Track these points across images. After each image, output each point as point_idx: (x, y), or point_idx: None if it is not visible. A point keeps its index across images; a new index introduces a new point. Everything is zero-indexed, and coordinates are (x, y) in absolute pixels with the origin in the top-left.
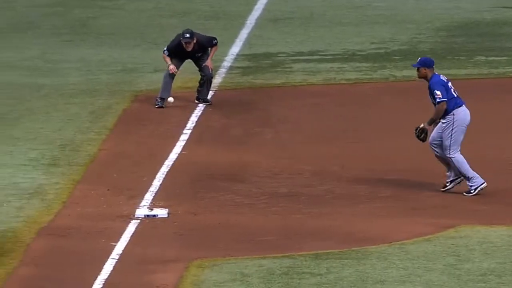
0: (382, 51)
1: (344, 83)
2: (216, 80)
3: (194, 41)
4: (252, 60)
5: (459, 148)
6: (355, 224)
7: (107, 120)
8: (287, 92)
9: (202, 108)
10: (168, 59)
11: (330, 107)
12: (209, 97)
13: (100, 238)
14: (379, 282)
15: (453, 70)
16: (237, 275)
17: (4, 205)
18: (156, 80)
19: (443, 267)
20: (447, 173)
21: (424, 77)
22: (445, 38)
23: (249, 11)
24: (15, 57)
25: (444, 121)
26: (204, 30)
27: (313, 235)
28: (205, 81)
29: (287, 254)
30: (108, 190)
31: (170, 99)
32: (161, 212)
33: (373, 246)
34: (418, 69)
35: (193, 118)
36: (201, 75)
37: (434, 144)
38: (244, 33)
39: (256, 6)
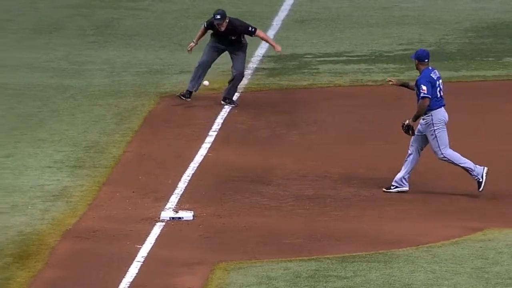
0: (410, 52)
1: (371, 85)
2: (242, 82)
3: (226, 20)
4: (278, 62)
5: (448, 145)
6: (382, 227)
7: (132, 122)
8: (313, 93)
9: (228, 110)
10: (199, 34)
11: (357, 108)
12: (235, 98)
13: (125, 241)
14: (406, 285)
15: (482, 71)
16: (263, 278)
17: (29, 207)
18: (182, 81)
19: (471, 270)
20: (401, 176)
21: (418, 70)
22: (474, 39)
23: (275, 12)
24: (40, 59)
25: (423, 122)
26: None
27: (339, 237)
28: (235, 78)
29: (313, 257)
30: (133, 192)
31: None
32: (187, 215)
33: (400, 249)
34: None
35: (219, 119)
36: (232, 72)
37: (412, 142)
38: (270, 34)
39: (283, 7)
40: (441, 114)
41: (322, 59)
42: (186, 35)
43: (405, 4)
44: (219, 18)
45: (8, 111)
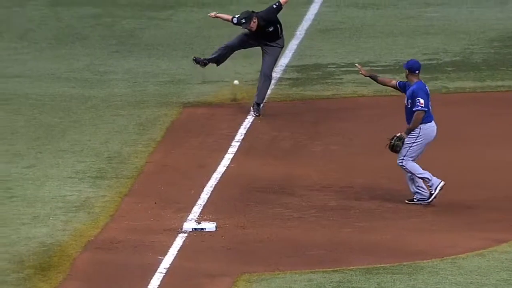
0: (434, 62)
1: (395, 95)
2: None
3: (254, 20)
4: (301, 72)
5: (415, 159)
6: (406, 238)
7: (155, 132)
8: (337, 103)
9: (251, 120)
10: (226, 17)
11: (381, 118)
12: (262, 102)
13: (147, 252)
14: None
15: (507, 81)
16: None
17: (51, 218)
18: (204, 92)
19: (496, 282)
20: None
21: (409, 80)
22: (499, 49)
23: (299, 21)
24: (62, 69)
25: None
26: None
27: (363, 249)
28: (261, 79)
29: (337, 269)
30: (155, 203)
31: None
32: (209, 226)
33: (425, 261)
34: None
35: (242, 130)
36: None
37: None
38: (293, 44)
39: (306, 17)
40: (430, 130)
41: (345, 69)
42: (209, 45)
43: (430, 14)
44: (244, 23)
45: (30, 122)
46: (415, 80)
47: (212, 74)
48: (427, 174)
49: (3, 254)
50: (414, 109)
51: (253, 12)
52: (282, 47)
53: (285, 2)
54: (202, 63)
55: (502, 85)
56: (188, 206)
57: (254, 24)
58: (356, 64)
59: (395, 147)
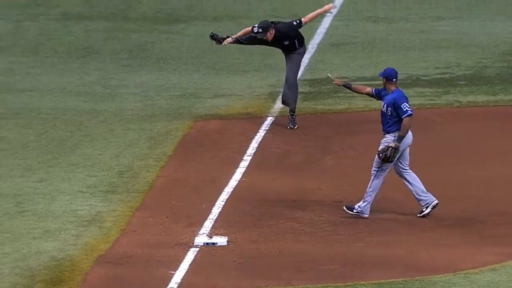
0: (447, 76)
1: None
2: (277, 106)
3: (271, 31)
4: (313, 86)
5: (389, 170)
6: (419, 253)
7: (166, 146)
8: (349, 117)
9: (263, 134)
10: (243, 32)
11: None
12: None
13: (158, 266)
14: None
15: None
16: None
17: (62, 232)
18: (215, 106)
19: None
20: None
21: (386, 89)
22: None
23: (311, 35)
24: (74, 83)
25: (384, 139)
26: (265, 54)
27: (375, 264)
28: (287, 87)
29: (349, 283)
30: (167, 217)
31: (329, 75)
32: (221, 240)
33: (438, 276)
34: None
35: (254, 144)
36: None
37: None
38: (306, 58)
39: (318, 31)
40: (407, 137)
41: (358, 82)
42: (220, 59)
43: (442, 27)
44: (261, 32)
45: (41, 136)
46: (393, 88)
47: (223, 89)
48: (371, 200)
49: (14, 269)
50: (403, 115)
51: (272, 22)
52: (303, 53)
53: (306, 22)
54: (218, 40)
55: None
56: (200, 221)
57: (270, 35)
58: (329, 75)
59: (393, 158)
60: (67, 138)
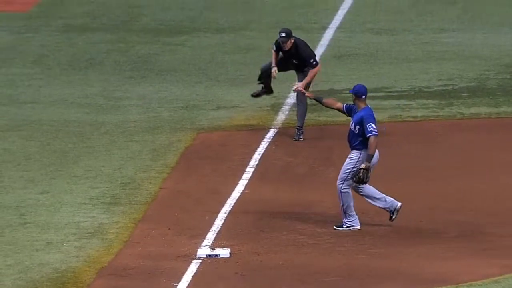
0: (450, 87)
1: (410, 121)
2: (280, 117)
3: (292, 40)
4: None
5: (353, 185)
6: (421, 265)
7: (169, 158)
8: None
9: (265, 146)
10: (274, 56)
11: (396, 145)
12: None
13: (161, 278)
14: None
15: None
16: None
17: (64, 244)
18: (218, 118)
19: None
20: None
21: (356, 105)
22: None
23: (314, 47)
24: (76, 94)
25: (350, 155)
26: None
27: (378, 276)
28: (297, 103)
29: None
30: (169, 229)
31: None
32: (223, 252)
33: None
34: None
35: (256, 156)
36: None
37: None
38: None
39: (321, 42)
40: (374, 157)
41: None
42: (223, 71)
43: (445, 39)
44: (283, 36)
45: (44, 147)
46: (362, 105)
47: (225, 101)
48: (353, 213)
49: (16, 281)
50: (368, 135)
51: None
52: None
53: (313, 74)
54: (259, 94)
55: None
56: (202, 232)
57: (289, 43)
58: (298, 87)
59: (366, 179)
60: (70, 150)
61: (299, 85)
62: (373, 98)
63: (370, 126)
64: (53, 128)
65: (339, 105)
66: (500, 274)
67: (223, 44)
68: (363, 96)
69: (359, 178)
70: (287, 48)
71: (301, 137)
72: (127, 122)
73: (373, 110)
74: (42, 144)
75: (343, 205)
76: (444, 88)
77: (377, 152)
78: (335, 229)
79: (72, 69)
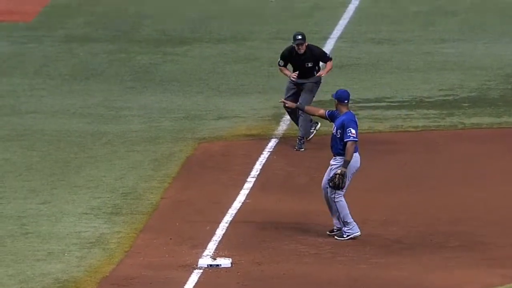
0: (451, 98)
1: (411, 131)
2: (281, 128)
3: (306, 44)
4: (318, 107)
5: (344, 192)
6: (423, 275)
7: (170, 168)
8: None
9: (266, 156)
10: (284, 70)
11: (397, 154)
12: (310, 135)
13: None
14: None
15: None
16: None
17: (66, 254)
18: (219, 128)
19: None
20: (334, 221)
21: (338, 110)
22: None
23: None
24: (78, 104)
25: (334, 163)
26: (270, 76)
27: (380, 285)
28: (300, 115)
29: None
30: (170, 239)
31: None
32: (225, 262)
33: None
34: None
35: (257, 166)
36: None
37: (327, 187)
38: None
39: None
40: (354, 161)
41: (362, 104)
42: (224, 81)
43: (446, 49)
44: (300, 38)
45: (45, 157)
46: (345, 110)
47: (226, 111)
48: (350, 220)
49: None
50: (346, 139)
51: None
52: (317, 82)
53: (328, 68)
54: (304, 142)
55: None
56: (204, 242)
57: (304, 47)
58: (338, 172)
59: (342, 184)
60: (71, 160)
61: (321, 73)
62: (375, 108)
63: (349, 131)
64: (55, 138)
65: (322, 111)
66: (501, 284)
67: (224, 54)
68: (345, 101)
69: (334, 184)
70: (302, 51)
71: (302, 147)
72: (129, 132)
73: (355, 115)
74: (44, 154)
75: (339, 215)
76: (445, 98)
77: (358, 157)
78: (336, 239)
79: (74, 79)
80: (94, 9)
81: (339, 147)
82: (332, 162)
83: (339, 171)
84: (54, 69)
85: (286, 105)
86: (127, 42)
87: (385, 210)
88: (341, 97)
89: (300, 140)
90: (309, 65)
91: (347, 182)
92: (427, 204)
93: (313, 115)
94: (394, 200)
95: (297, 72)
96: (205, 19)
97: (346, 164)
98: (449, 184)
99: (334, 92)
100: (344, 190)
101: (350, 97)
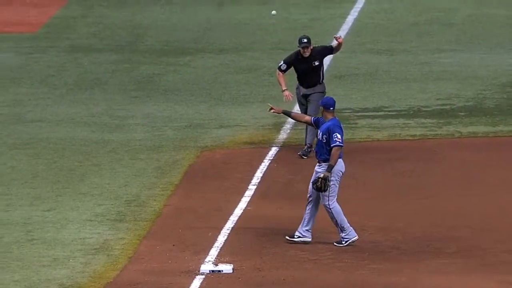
0: (448, 107)
1: (409, 139)
2: (281, 136)
3: (311, 48)
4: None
5: (336, 197)
6: (421, 280)
7: (173, 176)
8: (352, 148)
9: (267, 164)
10: (282, 79)
11: (395, 162)
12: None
13: None
14: None
15: None
16: None
17: (70, 260)
18: (221, 136)
19: None
20: (305, 228)
21: (324, 117)
22: (511, 94)
23: None
24: (83, 113)
25: (320, 170)
26: (270, 86)
27: None
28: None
29: None
30: (173, 245)
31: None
32: (226, 268)
33: None
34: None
35: (258, 173)
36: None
37: (311, 193)
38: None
39: None
40: (340, 166)
41: (360, 113)
42: (226, 90)
43: (443, 59)
44: (306, 42)
45: (50, 165)
46: (330, 117)
47: (228, 120)
48: (346, 225)
49: None
50: (332, 144)
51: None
52: (323, 92)
53: (336, 47)
54: (310, 150)
55: None
56: (206, 248)
57: (308, 50)
58: (321, 176)
59: (326, 187)
60: (76, 168)
61: (339, 38)
62: (373, 117)
63: (335, 136)
64: (60, 147)
65: (307, 118)
66: None
67: (226, 64)
68: (331, 108)
69: (317, 187)
70: (307, 55)
71: (307, 155)
72: (132, 141)
73: (340, 122)
74: (49, 162)
75: (336, 221)
76: (442, 107)
77: (342, 162)
78: (335, 245)
79: (78, 89)
80: (98, 20)
81: (325, 152)
82: (317, 169)
83: (322, 175)
84: (59, 79)
85: (272, 110)
86: (131, 53)
87: (384, 217)
88: (327, 104)
89: (308, 147)
90: (316, 63)
91: (336, 188)
92: (424, 211)
93: (299, 121)
94: (392, 207)
95: (290, 95)
96: (207, 30)
97: (330, 168)
98: (446, 192)
99: (352, 106)
100: (335, 196)
101: (347, 106)
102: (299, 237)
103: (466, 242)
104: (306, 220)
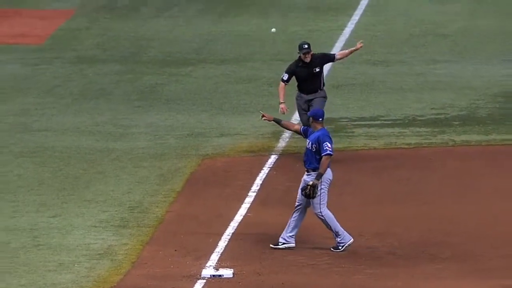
0: (442, 116)
1: (404, 147)
2: (280, 144)
3: (311, 54)
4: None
5: (326, 204)
6: (417, 285)
7: (175, 183)
8: (349, 156)
9: (267, 172)
10: (282, 92)
11: (391, 170)
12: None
13: None
14: None
15: (511, 135)
16: None
17: (75, 265)
18: (222, 144)
19: None
20: (289, 234)
21: (313, 128)
22: (503, 103)
23: None
24: (87, 122)
25: (308, 179)
26: (270, 95)
27: None
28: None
29: None
30: (175, 250)
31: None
32: (227, 272)
33: None
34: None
35: (258, 181)
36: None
37: (300, 201)
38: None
39: None
40: (329, 174)
41: (357, 122)
42: (226, 100)
43: (437, 70)
44: (307, 48)
45: (56, 173)
46: (319, 127)
47: (229, 129)
48: (340, 230)
49: None
50: (323, 153)
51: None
52: (324, 97)
53: (343, 55)
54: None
55: (507, 138)
56: (207, 254)
57: (309, 56)
58: (310, 183)
59: (314, 194)
60: (81, 175)
61: (359, 46)
62: (369, 126)
63: (325, 145)
64: (65, 155)
65: (297, 127)
66: None
67: (226, 74)
68: (320, 119)
69: (306, 194)
70: (308, 60)
71: None
72: (136, 149)
73: (329, 132)
74: (55, 170)
75: (330, 227)
76: (437, 116)
77: (330, 171)
78: (332, 251)
79: (83, 99)
80: (103, 32)
81: (314, 161)
82: (305, 178)
83: (310, 183)
84: (64, 89)
85: (264, 118)
86: (134, 63)
87: (380, 223)
88: (317, 115)
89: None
90: (317, 70)
91: (326, 195)
92: (420, 218)
93: (289, 129)
94: (388, 214)
95: (286, 108)
96: (208, 42)
97: (319, 176)
98: (441, 198)
99: (351, 116)
100: (326, 203)
101: (345, 115)
102: (283, 243)
103: (460, 248)
104: (291, 226)
